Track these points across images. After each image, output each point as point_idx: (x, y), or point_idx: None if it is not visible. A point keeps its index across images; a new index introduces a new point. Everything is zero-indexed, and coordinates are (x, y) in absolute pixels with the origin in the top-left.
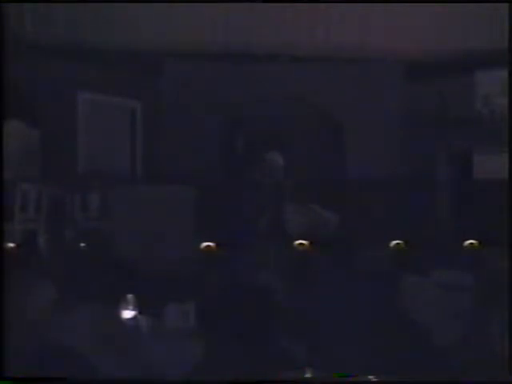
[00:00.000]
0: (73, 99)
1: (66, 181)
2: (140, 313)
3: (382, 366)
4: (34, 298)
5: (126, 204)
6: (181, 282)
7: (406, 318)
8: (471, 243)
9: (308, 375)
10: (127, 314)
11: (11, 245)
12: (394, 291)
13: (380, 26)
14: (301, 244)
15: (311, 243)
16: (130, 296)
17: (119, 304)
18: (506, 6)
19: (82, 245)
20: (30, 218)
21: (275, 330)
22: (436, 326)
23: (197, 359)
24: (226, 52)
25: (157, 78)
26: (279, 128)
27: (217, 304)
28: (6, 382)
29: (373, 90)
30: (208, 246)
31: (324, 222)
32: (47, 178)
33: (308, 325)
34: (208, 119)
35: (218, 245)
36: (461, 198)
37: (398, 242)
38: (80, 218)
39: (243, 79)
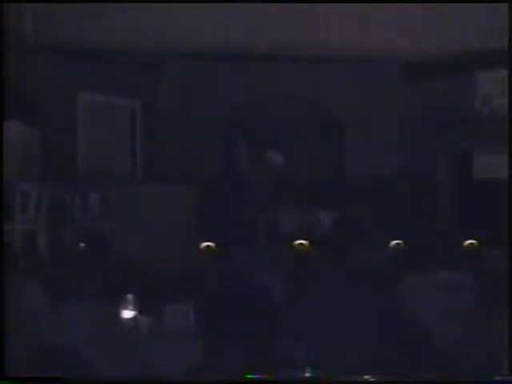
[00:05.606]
0: (73, 99)
1: (66, 181)
2: (140, 313)
3: (382, 366)
4: (33, 298)
5: (126, 203)
6: (181, 281)
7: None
8: (471, 243)
9: (308, 375)
10: (127, 313)
11: (11, 245)
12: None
13: (379, 26)
14: (301, 244)
15: (311, 243)
16: (129, 296)
17: (119, 304)
18: (505, 5)
19: (82, 245)
20: (30, 218)
21: (275, 330)
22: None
23: (196, 359)
24: (226, 52)
25: (157, 78)
26: (279, 128)
27: (216, 304)
28: (5, 382)
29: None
30: (208, 245)
31: (320, 222)
32: (47, 177)
33: (308, 325)
34: (208, 119)
35: (217, 245)
36: (461, 198)
37: (398, 241)
38: (80, 218)
39: (243, 79)
